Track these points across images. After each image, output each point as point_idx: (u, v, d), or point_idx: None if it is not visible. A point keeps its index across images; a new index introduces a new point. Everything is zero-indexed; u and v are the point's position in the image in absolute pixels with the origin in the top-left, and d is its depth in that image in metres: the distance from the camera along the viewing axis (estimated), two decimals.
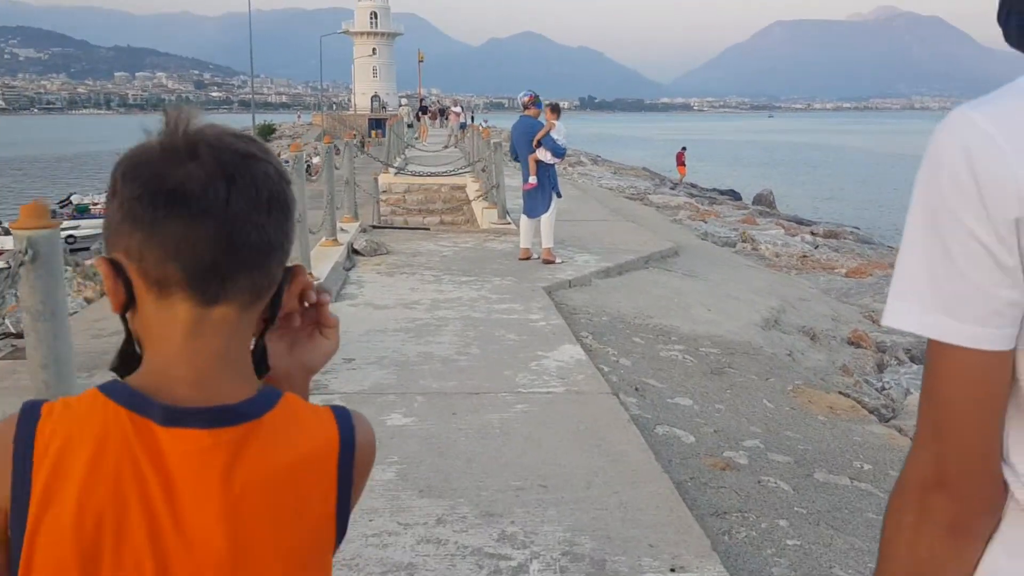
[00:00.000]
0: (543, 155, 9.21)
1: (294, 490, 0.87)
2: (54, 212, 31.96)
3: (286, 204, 0.89)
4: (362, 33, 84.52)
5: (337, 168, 10.52)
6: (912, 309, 0.85)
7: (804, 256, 15.17)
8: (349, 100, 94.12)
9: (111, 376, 0.89)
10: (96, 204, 34.93)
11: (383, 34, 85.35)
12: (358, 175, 12.53)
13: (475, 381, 5.43)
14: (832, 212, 31.86)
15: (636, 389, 5.56)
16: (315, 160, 41.21)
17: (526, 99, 9.63)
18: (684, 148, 35.84)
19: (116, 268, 0.84)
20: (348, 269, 9.08)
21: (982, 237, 0.81)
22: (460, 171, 14.83)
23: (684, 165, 34.24)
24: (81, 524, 0.80)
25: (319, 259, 8.49)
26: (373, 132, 65.68)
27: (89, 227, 30.22)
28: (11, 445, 0.82)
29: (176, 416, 0.83)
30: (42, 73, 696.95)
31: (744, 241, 16.09)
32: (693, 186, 33.37)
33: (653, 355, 6.57)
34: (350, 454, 0.90)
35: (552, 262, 9.26)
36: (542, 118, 9.54)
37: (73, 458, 0.81)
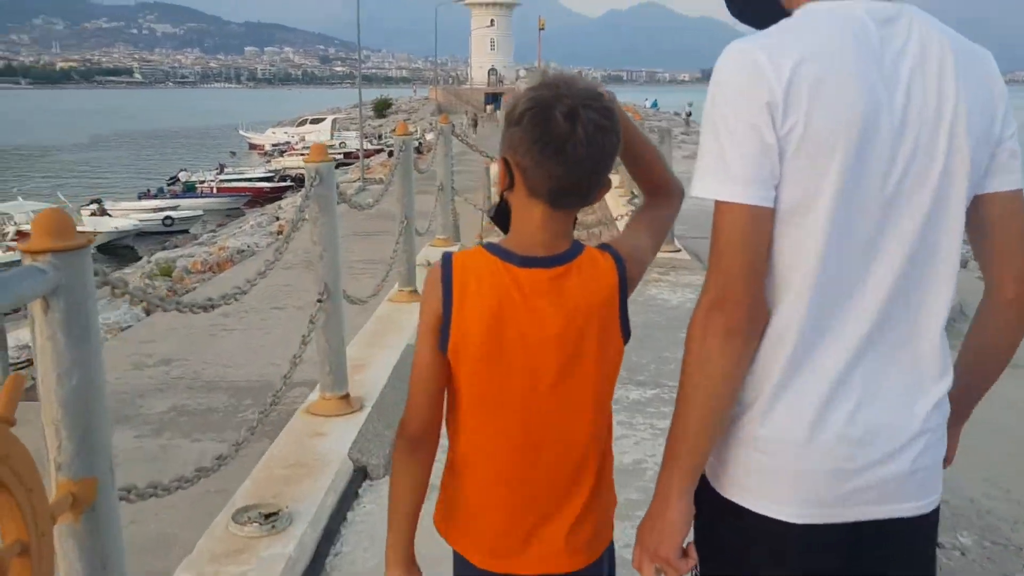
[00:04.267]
0: None
1: (599, 309, 1.42)
2: (161, 190, 31.18)
3: (613, 159, 1.38)
4: (480, 3, 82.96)
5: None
6: (708, 183, 1.27)
7: None
8: (466, 74, 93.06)
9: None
10: (203, 182, 34.43)
11: (501, 4, 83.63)
12: (467, 162, 10.09)
13: None
14: None
15: None
16: (428, 136, 39.98)
17: None
18: None
19: (508, 165, 1.38)
20: None
21: (755, 122, 1.23)
22: None
23: None
24: (480, 315, 1.39)
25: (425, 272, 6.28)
26: (488, 107, 64.18)
27: (190, 208, 29.50)
28: (439, 280, 1.41)
29: (527, 261, 1.40)
30: (177, 48, 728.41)
31: None
32: None
33: None
34: (624, 286, 1.45)
35: None
36: None
37: (471, 283, 1.40)
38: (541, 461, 1.42)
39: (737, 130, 1.23)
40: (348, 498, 3.07)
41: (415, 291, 5.72)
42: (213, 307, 2.43)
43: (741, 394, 1.30)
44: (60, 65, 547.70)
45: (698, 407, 1.27)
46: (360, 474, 3.25)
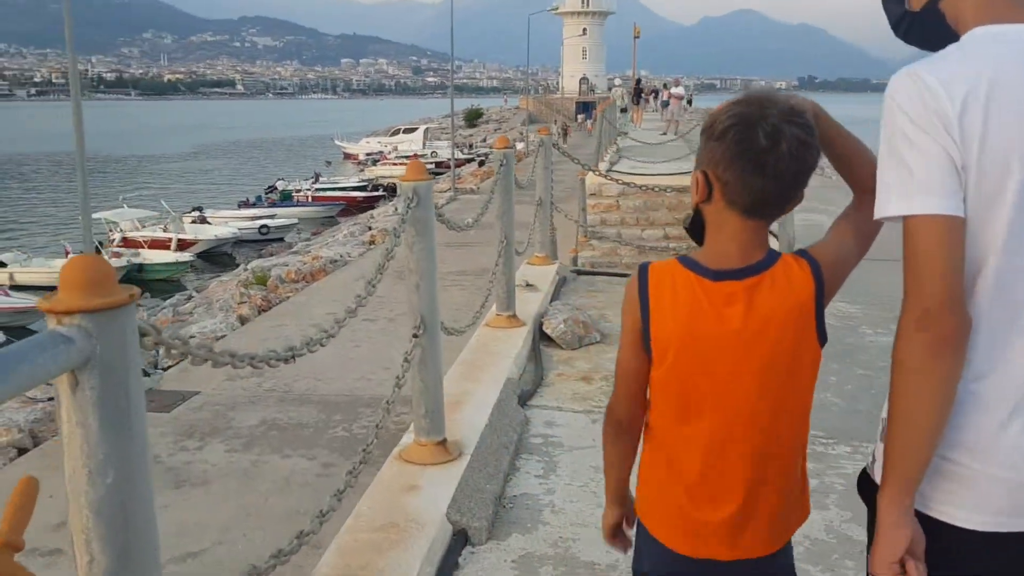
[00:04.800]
0: None
1: (793, 317, 1.46)
2: (259, 198, 31.80)
3: (811, 173, 1.43)
4: (572, 12, 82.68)
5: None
6: (899, 201, 1.29)
7: None
8: (557, 83, 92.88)
9: None
10: (299, 191, 34.94)
11: (594, 13, 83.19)
12: (559, 172, 9.60)
13: None
14: None
15: None
16: (519, 146, 39.79)
17: None
18: None
19: (707, 177, 1.45)
20: (527, 393, 4.40)
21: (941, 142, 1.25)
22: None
23: None
24: (674, 325, 1.47)
25: (528, 300, 5.66)
26: (579, 116, 63.70)
27: (286, 216, 29.91)
28: (637, 288, 1.52)
29: (720, 275, 1.46)
30: (277, 60, 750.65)
31: None
32: None
33: None
34: (821, 293, 1.47)
35: None
36: None
37: (666, 295, 1.49)
38: (737, 457, 1.51)
39: (921, 147, 1.25)
40: (447, 569, 2.66)
41: (514, 316, 5.18)
42: (272, 362, 2.02)
43: None
44: (167, 77, 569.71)
45: (922, 427, 1.28)
46: (460, 539, 2.83)
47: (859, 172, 1.53)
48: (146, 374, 9.25)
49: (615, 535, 1.77)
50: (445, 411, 3.22)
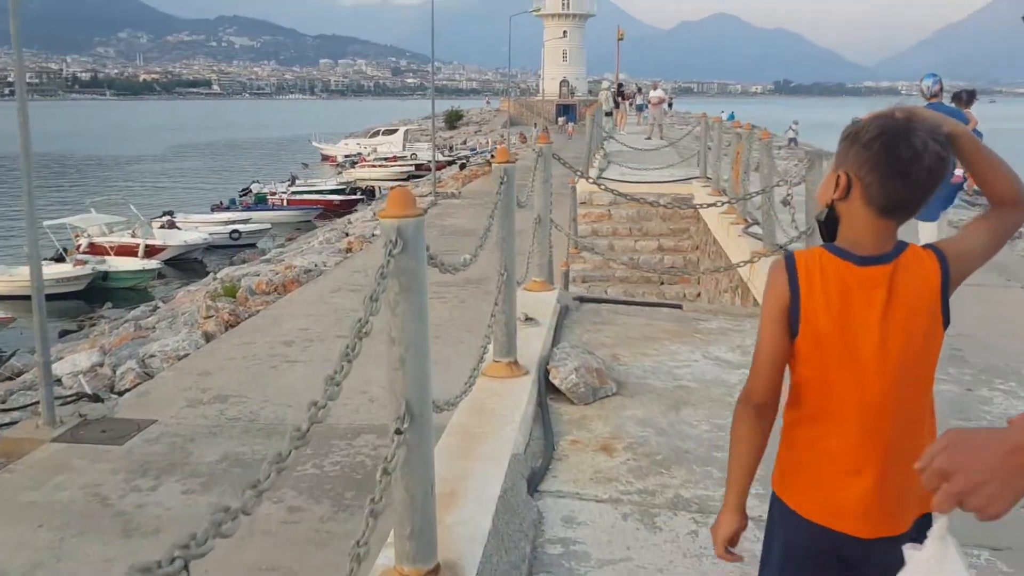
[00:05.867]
0: None
1: (926, 300, 1.60)
2: (232, 201, 31.13)
3: (939, 185, 1.56)
4: (553, 15, 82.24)
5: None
6: None
7: None
8: (537, 85, 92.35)
9: None
10: (274, 194, 33.96)
11: (575, 15, 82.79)
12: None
13: None
14: None
15: None
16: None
17: (936, 87, 8.33)
18: None
19: (848, 178, 1.59)
20: (536, 473, 3.51)
21: None
22: (689, 178, 11.30)
23: None
24: (828, 301, 1.60)
25: (529, 337, 4.77)
26: (560, 119, 63.08)
27: (260, 221, 28.94)
28: (785, 272, 1.65)
29: (865, 260, 1.59)
30: (254, 60, 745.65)
31: None
32: None
33: None
34: (947, 282, 1.61)
35: None
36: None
37: (814, 275, 1.63)
38: (876, 432, 1.61)
39: None
40: None
41: (515, 362, 4.23)
42: None
43: None
44: (143, 77, 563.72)
45: None
46: None
47: (997, 183, 1.65)
48: (98, 399, 8.41)
49: (731, 545, 1.76)
50: (437, 512, 2.39)
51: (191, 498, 6.17)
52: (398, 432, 2.11)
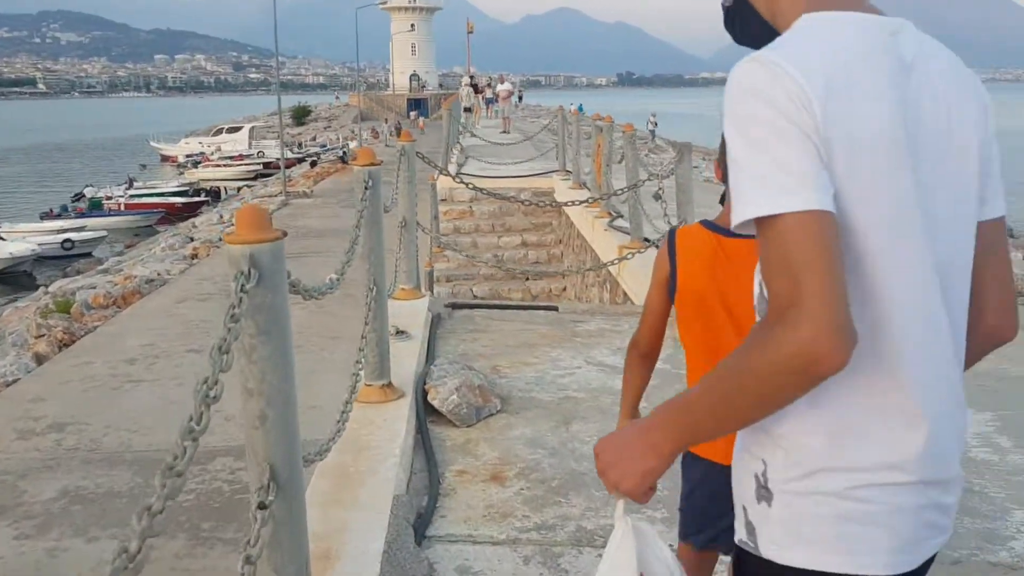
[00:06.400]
0: None
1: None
2: (64, 208, 29.22)
3: None
4: (400, 8, 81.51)
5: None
6: (772, 198, 1.08)
7: None
8: (387, 80, 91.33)
9: None
10: (110, 199, 31.90)
11: (422, 9, 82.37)
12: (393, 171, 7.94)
13: None
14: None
15: None
16: (352, 145, 38.06)
17: None
18: None
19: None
20: (423, 516, 3.07)
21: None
22: (549, 172, 11.12)
23: None
24: (694, 274, 1.84)
25: (401, 353, 4.31)
26: (411, 113, 62.50)
27: (95, 228, 27.06)
28: (667, 248, 1.89)
29: (732, 233, 1.37)
30: (83, 57, 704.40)
31: None
32: None
33: None
34: None
35: None
36: None
37: (691, 249, 1.86)
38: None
39: (787, 136, 1.10)
40: None
41: (389, 385, 3.77)
42: None
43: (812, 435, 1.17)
44: None
45: (733, 419, 1.15)
46: None
47: None
48: None
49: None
50: (312, 570, 1.98)
51: (24, 544, 5.48)
52: (261, 507, 1.69)
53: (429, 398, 3.89)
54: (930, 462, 1.16)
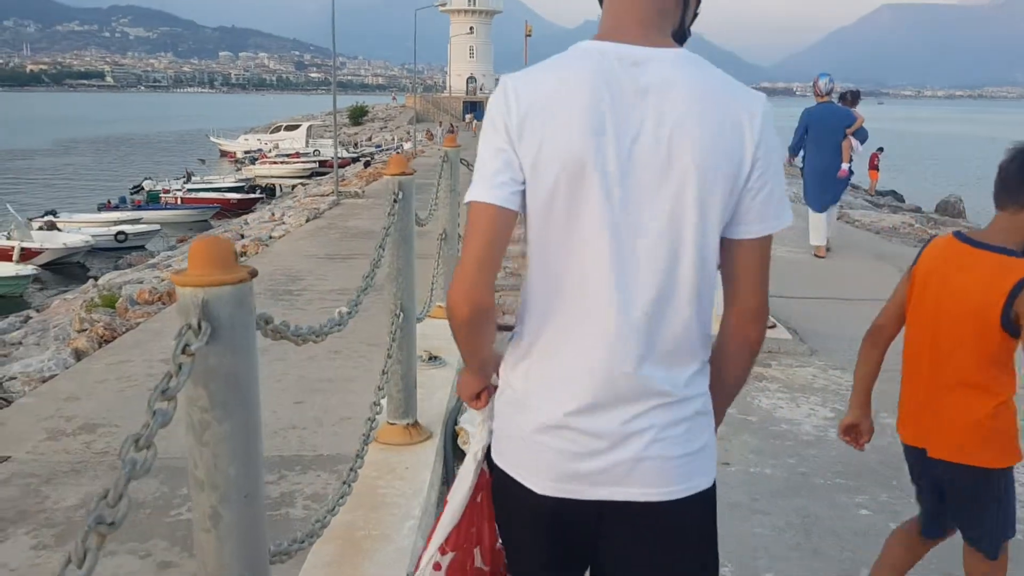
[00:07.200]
0: (856, 147, 9.12)
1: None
2: (123, 200, 29.20)
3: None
4: (459, 11, 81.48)
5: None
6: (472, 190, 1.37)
7: None
8: (444, 82, 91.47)
9: None
10: (168, 192, 32.07)
11: (481, 12, 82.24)
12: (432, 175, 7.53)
13: None
14: None
15: None
16: (406, 146, 37.89)
17: (831, 85, 9.31)
18: (881, 149, 28.45)
19: None
20: None
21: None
22: None
23: (877, 170, 27.78)
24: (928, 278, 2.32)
25: (432, 382, 3.91)
26: (467, 116, 62.40)
27: (151, 221, 27.13)
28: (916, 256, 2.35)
29: (972, 242, 2.27)
30: (150, 52, 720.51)
31: None
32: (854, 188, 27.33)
33: None
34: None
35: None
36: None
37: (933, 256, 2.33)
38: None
39: (490, 144, 1.37)
40: None
41: (415, 424, 3.30)
42: None
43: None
44: (30, 68, 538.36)
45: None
46: None
47: None
48: None
49: (846, 434, 2.45)
50: None
51: (42, 554, 5.18)
52: None
53: (459, 441, 3.38)
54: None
